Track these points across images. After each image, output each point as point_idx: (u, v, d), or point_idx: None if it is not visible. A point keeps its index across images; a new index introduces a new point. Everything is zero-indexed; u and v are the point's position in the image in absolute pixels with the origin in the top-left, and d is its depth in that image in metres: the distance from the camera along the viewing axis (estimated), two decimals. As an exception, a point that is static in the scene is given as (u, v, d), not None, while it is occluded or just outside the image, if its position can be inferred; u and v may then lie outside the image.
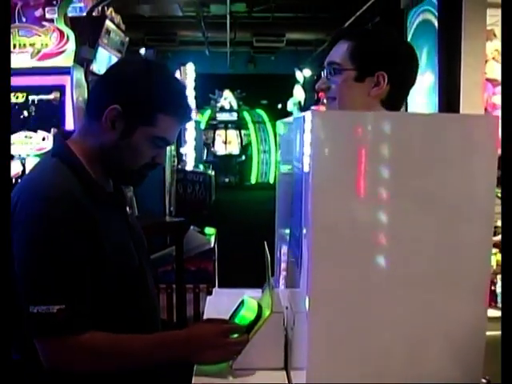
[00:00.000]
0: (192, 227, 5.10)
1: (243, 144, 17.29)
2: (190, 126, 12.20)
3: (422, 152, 1.17)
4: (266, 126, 17.12)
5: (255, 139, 17.03)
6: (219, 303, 2.03)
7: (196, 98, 12.46)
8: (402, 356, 1.22)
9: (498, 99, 4.56)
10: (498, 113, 4.64)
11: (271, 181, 16.75)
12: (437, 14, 4.23)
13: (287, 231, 1.62)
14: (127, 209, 1.81)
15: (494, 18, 4.32)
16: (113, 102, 1.61)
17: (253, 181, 17.03)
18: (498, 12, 4.34)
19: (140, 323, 1.69)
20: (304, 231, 1.19)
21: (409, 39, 4.89)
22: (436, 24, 4.28)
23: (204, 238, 5.06)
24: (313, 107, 13.44)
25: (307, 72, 14.01)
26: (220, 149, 17.24)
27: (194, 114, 2.14)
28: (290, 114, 15.39)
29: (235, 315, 1.60)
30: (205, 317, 1.94)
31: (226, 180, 16.31)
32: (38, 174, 1.65)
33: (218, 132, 17.37)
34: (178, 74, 11.65)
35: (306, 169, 1.14)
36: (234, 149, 17.30)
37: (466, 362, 1.22)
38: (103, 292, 1.60)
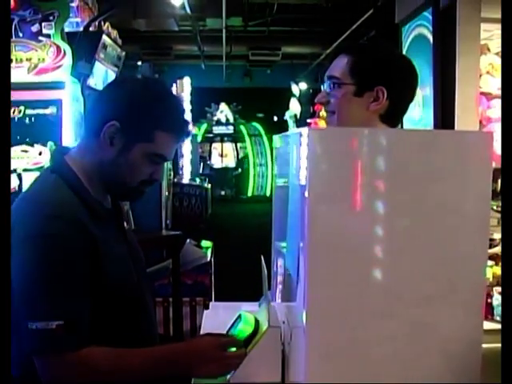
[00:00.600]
0: (188, 240, 5.09)
1: (239, 157, 17.32)
2: (186, 140, 12.19)
3: (417, 167, 1.18)
4: (262, 139, 17.15)
5: (251, 152, 17.06)
6: (216, 317, 2.04)
7: (192, 111, 12.51)
8: (399, 369, 1.22)
9: (492, 113, 4.58)
10: (493, 126, 4.67)
11: (267, 194, 16.75)
12: (431, 28, 4.27)
13: (284, 244, 1.63)
14: (125, 224, 1.82)
15: (487, 33, 4.35)
16: (111, 118, 1.62)
17: (249, 194, 17.04)
18: (492, 27, 4.38)
19: (138, 339, 1.69)
20: (301, 245, 1.20)
21: (404, 52, 4.93)
22: (430, 38, 4.31)
23: (200, 252, 5.05)
24: (309, 120, 13.50)
25: (303, 85, 14.08)
26: (216, 162, 17.26)
27: (191, 130, 2.15)
28: (286, 126, 15.44)
29: (232, 329, 1.60)
30: (202, 331, 1.94)
31: (222, 193, 16.31)
32: (37, 190, 1.66)
33: (214, 145, 17.39)
34: (174, 88, 11.71)
35: (303, 183, 1.16)
36: (230, 162, 17.32)
37: (462, 374, 1.23)
38: (102, 309, 1.60)
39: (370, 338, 1.19)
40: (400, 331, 1.21)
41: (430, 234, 1.20)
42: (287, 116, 14.80)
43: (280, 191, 1.81)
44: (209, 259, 5.06)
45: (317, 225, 1.12)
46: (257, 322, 1.56)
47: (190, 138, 12.54)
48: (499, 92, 4.66)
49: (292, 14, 11.09)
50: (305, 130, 1.15)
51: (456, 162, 1.21)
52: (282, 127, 16.26)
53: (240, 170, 17.13)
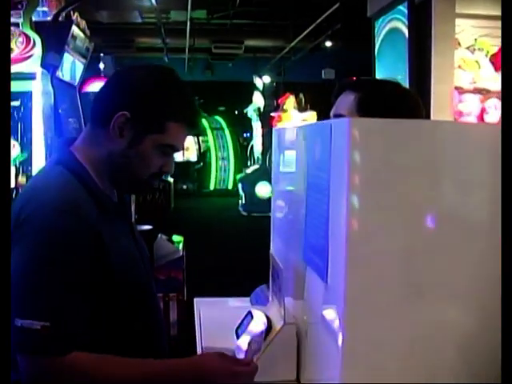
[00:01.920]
0: (160, 235, 5.02)
1: (201, 151, 17.21)
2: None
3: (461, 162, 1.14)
4: (224, 133, 17.07)
5: (213, 146, 16.97)
6: (214, 316, 1.99)
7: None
8: (429, 369, 1.19)
9: (464, 107, 4.64)
10: (465, 120, 4.72)
11: (230, 187, 16.72)
12: (407, 22, 4.29)
13: (293, 241, 1.57)
14: (132, 219, 1.75)
15: (458, 28, 4.40)
16: (121, 108, 1.54)
17: (211, 187, 16.96)
18: (463, 22, 4.43)
19: (148, 337, 1.63)
20: (331, 242, 1.16)
21: (377, 46, 4.95)
22: (405, 32, 4.33)
23: (173, 247, 4.99)
24: (272, 113, 13.50)
25: (266, 79, 14.05)
26: (178, 155, 17.14)
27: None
28: (248, 119, 15.41)
29: (243, 327, 1.56)
30: (203, 332, 1.87)
31: (184, 187, 16.19)
32: (42, 183, 1.56)
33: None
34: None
35: (338, 179, 1.11)
36: (192, 155, 17.19)
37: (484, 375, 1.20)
38: (110, 307, 1.52)
39: (403, 336, 1.16)
40: (428, 330, 1.17)
41: (458, 231, 1.17)
42: (250, 109, 14.76)
43: (284, 186, 1.76)
44: (181, 254, 5.00)
45: (355, 223, 1.08)
46: (268, 319, 1.52)
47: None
48: (471, 86, 4.73)
49: (255, 7, 11.04)
50: (342, 121, 1.11)
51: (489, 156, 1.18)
52: (243, 121, 16.24)
53: (202, 163, 17.03)
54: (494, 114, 4.84)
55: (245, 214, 13.39)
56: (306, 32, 11.14)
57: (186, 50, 13.28)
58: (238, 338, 1.56)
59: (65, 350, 1.40)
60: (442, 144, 1.14)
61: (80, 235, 1.44)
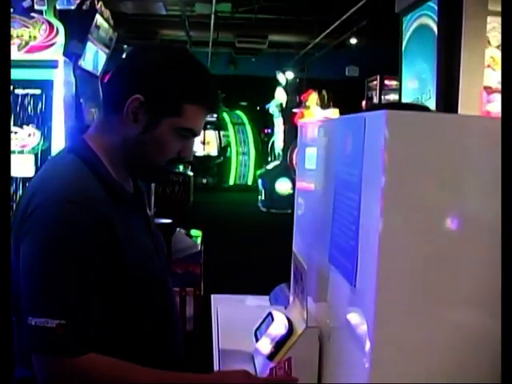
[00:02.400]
0: (178, 229, 4.98)
1: (222, 145, 17.15)
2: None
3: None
4: (245, 128, 17.00)
5: (234, 141, 16.90)
6: (231, 314, 1.92)
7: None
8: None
9: (492, 107, 4.52)
10: (492, 121, 4.60)
11: (249, 183, 16.64)
12: (436, 19, 4.18)
13: (319, 241, 1.50)
14: (148, 212, 1.68)
15: (488, 26, 4.28)
16: (134, 92, 1.46)
17: (231, 182, 16.90)
18: (492, 20, 4.32)
19: (162, 333, 1.56)
20: (361, 244, 1.08)
21: (404, 44, 4.84)
22: (434, 29, 4.22)
23: (191, 241, 4.94)
24: (295, 110, 13.40)
25: (289, 75, 13.93)
26: (198, 149, 17.09)
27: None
28: (270, 115, 15.32)
29: (263, 329, 1.49)
30: (220, 332, 1.80)
31: (204, 181, 16.14)
32: (53, 172, 1.49)
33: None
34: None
35: (372, 177, 1.03)
36: (213, 150, 17.13)
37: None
38: (122, 303, 1.45)
39: (431, 341, 1.08)
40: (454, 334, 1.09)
41: (484, 234, 1.09)
42: (273, 105, 14.66)
43: (309, 183, 1.67)
44: (199, 248, 4.96)
45: (390, 225, 1.00)
46: (289, 321, 1.45)
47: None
48: (499, 86, 4.62)
49: (280, 1, 10.96)
50: (378, 114, 1.03)
51: None
52: (265, 116, 16.16)
53: (222, 158, 16.98)
54: (522, 115, 4.73)
55: (264, 210, 13.32)
56: (330, 28, 11.03)
57: (210, 44, 13.22)
58: (256, 340, 1.49)
59: (82, 350, 1.33)
60: (486, 141, 1.05)
61: (91, 227, 1.37)
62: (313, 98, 13.26)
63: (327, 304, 1.38)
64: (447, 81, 4.15)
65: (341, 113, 13.36)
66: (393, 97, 11.37)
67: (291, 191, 13.25)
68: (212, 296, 2.66)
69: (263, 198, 13.49)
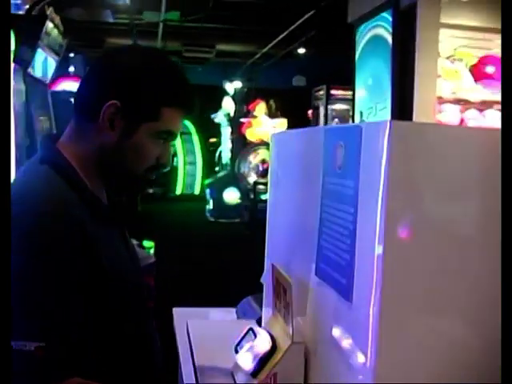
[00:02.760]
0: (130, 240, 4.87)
1: (169, 155, 16.98)
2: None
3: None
4: (192, 138, 16.89)
5: (181, 150, 16.77)
6: (200, 328, 1.87)
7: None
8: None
9: (443, 117, 4.62)
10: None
11: (197, 192, 16.55)
12: (391, 30, 4.23)
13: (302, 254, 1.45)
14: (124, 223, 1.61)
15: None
16: (109, 97, 1.39)
17: (178, 192, 16.76)
18: (443, 32, 4.41)
19: (141, 342, 1.49)
20: (359, 258, 1.05)
21: (358, 53, 4.89)
22: (389, 40, 4.28)
23: (145, 252, 4.84)
24: (242, 119, 13.41)
25: (237, 84, 13.94)
26: (145, 159, 16.89)
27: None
28: (217, 125, 15.28)
29: (244, 345, 1.44)
30: (194, 348, 1.73)
31: (151, 191, 15.95)
32: (26, 184, 1.40)
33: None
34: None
35: (371, 188, 1.00)
36: (159, 160, 16.95)
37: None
38: (105, 306, 1.37)
39: (434, 358, 1.06)
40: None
41: (482, 246, 1.08)
42: (220, 114, 14.63)
43: (287, 198, 1.63)
44: (154, 259, 4.86)
45: (394, 239, 0.97)
46: (271, 336, 1.41)
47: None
48: (451, 96, 4.71)
49: (229, 11, 10.94)
50: (377, 124, 1.00)
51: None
52: (212, 126, 16.10)
53: (169, 168, 16.77)
54: (472, 124, 4.82)
55: (212, 219, 13.27)
56: (278, 38, 11.08)
57: (157, 53, 13.10)
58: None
59: (65, 374, 1.23)
60: (487, 153, 1.03)
61: (72, 240, 1.29)
62: (261, 107, 13.31)
63: (312, 318, 1.34)
64: (402, 90, 4.20)
65: (289, 122, 13.44)
66: (339, 106, 11.49)
67: (239, 201, 13.27)
68: (174, 310, 2.60)
69: (211, 207, 13.43)
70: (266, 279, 1.98)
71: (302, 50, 12.31)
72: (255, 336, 1.41)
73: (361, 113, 4.84)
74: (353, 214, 1.07)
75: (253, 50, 12.98)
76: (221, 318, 2.51)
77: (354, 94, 5.03)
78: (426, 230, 1.01)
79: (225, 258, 8.69)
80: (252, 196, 12.36)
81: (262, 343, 1.39)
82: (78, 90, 1.48)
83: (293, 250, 1.54)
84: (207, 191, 13.85)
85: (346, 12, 5.35)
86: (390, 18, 4.23)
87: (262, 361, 1.37)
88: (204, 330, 1.85)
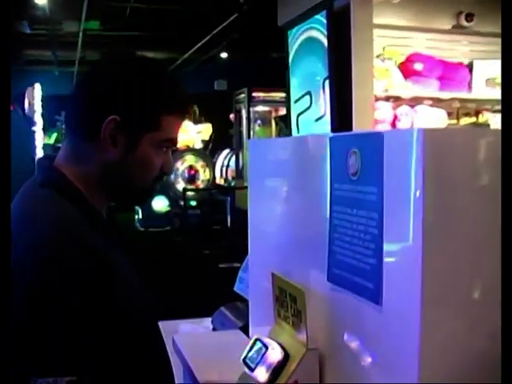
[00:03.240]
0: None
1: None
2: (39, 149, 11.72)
3: None
4: (116, 147, 16.62)
5: (105, 161, 16.47)
6: (194, 344, 1.84)
7: (43, 120, 11.93)
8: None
9: (377, 114, 4.73)
10: (378, 128, 4.81)
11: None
12: (325, 32, 4.30)
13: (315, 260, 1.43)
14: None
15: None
16: (108, 113, 1.35)
17: (104, 203, 16.46)
18: (375, 32, 4.53)
19: (155, 363, 1.44)
20: (388, 263, 1.06)
21: (291, 56, 4.95)
22: (324, 41, 4.35)
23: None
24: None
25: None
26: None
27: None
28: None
29: (255, 357, 1.42)
30: (190, 363, 1.70)
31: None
32: (32, 210, 1.33)
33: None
34: (26, 96, 11.07)
35: (400, 194, 1.02)
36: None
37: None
38: (120, 340, 1.30)
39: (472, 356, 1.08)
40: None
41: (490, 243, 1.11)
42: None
43: (280, 204, 1.62)
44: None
45: (432, 240, 0.99)
46: (280, 345, 1.40)
47: (41, 147, 11.93)
48: (383, 94, 4.83)
49: (146, 18, 10.86)
50: (406, 131, 1.01)
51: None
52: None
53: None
54: (405, 120, 4.96)
55: (142, 229, 13.09)
56: (200, 43, 11.08)
57: (76, 63, 12.84)
58: (250, 369, 1.42)
59: None
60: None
61: (90, 267, 1.23)
62: (184, 113, 13.22)
63: (326, 323, 1.35)
64: (340, 90, 4.28)
65: (213, 127, 13.44)
66: (261, 108, 11.59)
67: (168, 208, 13.14)
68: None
69: (140, 217, 13.26)
70: (242, 289, 1.98)
71: (224, 55, 12.34)
72: (265, 346, 1.40)
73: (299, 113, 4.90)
74: (377, 220, 1.08)
75: (174, 56, 12.91)
76: (191, 330, 2.49)
77: (289, 96, 5.08)
78: (461, 231, 1.04)
79: (161, 266, 8.57)
80: (182, 203, 12.28)
81: (275, 353, 1.38)
82: (69, 108, 1.43)
83: (288, 257, 1.54)
84: (135, 201, 13.65)
85: (270, 15, 5.41)
86: (324, 20, 4.29)
87: (276, 371, 1.36)
88: (195, 344, 1.83)
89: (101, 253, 1.27)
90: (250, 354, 1.43)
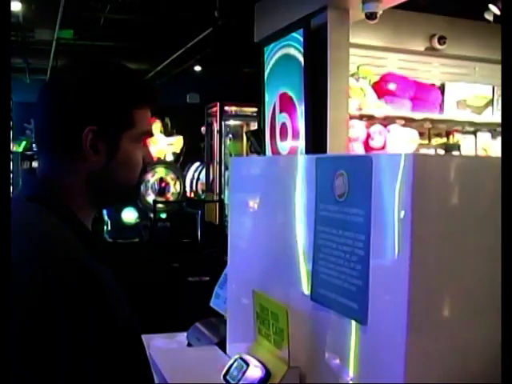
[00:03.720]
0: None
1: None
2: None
3: None
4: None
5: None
6: (171, 359, 1.83)
7: (12, 128, 11.78)
8: None
9: (351, 132, 4.79)
10: (353, 146, 4.87)
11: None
12: (302, 49, 4.34)
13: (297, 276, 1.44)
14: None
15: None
16: (83, 124, 1.34)
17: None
18: (353, 51, 4.59)
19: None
20: (374, 284, 1.08)
21: (266, 72, 4.98)
22: (300, 59, 4.39)
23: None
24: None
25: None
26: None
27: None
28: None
29: (235, 374, 1.43)
30: (170, 379, 1.69)
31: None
32: (19, 225, 1.28)
33: (34, 163, 16.42)
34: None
35: (386, 217, 1.03)
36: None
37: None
38: (112, 355, 1.26)
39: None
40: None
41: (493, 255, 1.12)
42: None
43: (259, 222, 1.62)
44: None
45: (419, 263, 1.01)
46: (261, 362, 1.41)
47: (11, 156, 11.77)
48: (357, 112, 4.90)
49: (122, 29, 10.82)
50: (394, 155, 1.03)
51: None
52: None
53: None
54: (378, 139, 5.03)
55: (110, 240, 12.97)
56: (174, 56, 11.06)
57: (48, 72, 12.72)
58: (231, 387, 1.42)
59: None
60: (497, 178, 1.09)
61: (86, 285, 1.21)
62: (156, 125, 13.19)
63: (308, 342, 1.36)
64: (315, 108, 4.32)
65: (184, 140, 13.41)
66: (232, 122, 11.62)
67: (138, 220, 13.05)
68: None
69: (109, 228, 13.13)
70: (219, 304, 1.98)
71: (197, 68, 12.34)
72: (246, 363, 1.41)
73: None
74: (363, 241, 1.10)
75: (147, 68, 12.87)
76: (164, 344, 2.47)
77: (264, 111, 5.11)
78: (448, 255, 1.06)
79: (126, 277, 8.48)
80: (151, 215, 12.20)
81: (256, 370, 1.39)
82: (40, 122, 1.42)
83: (268, 275, 1.55)
84: (104, 212, 13.53)
85: (245, 31, 5.44)
86: (301, 38, 4.34)
87: (258, 389, 1.37)
88: (172, 360, 1.82)
89: (90, 268, 1.26)
90: (230, 371, 1.43)
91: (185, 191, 12.81)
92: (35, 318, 1.17)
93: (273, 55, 4.88)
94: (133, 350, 1.35)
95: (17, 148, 14.73)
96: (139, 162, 1.44)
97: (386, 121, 5.15)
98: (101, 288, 1.25)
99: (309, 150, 4.31)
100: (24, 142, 16.21)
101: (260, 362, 1.40)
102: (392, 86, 5.18)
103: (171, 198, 12.60)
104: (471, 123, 5.42)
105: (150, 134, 1.47)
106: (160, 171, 13.07)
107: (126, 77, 1.44)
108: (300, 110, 4.44)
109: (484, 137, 5.56)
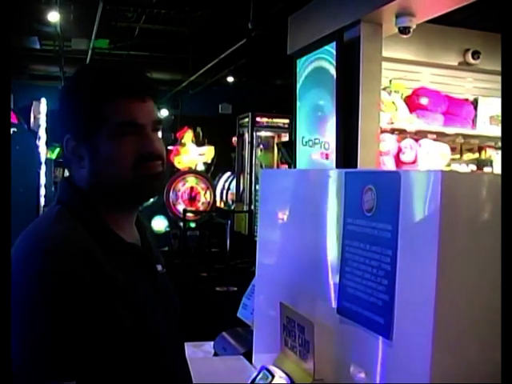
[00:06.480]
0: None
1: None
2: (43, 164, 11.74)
3: None
4: (117, 165, 16.64)
5: (107, 178, 16.49)
6: (199, 367, 1.85)
7: (47, 134, 11.95)
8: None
9: (382, 146, 4.77)
10: (383, 159, 4.85)
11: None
12: (334, 63, 4.35)
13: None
14: (158, 266, 1.51)
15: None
16: (61, 135, 1.42)
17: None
18: (386, 65, 4.59)
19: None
20: (400, 299, 1.08)
21: (299, 84, 5.00)
22: (332, 72, 4.40)
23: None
24: (170, 147, 13.34)
25: (164, 112, 13.89)
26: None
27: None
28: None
29: None
30: None
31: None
32: (37, 224, 1.39)
33: (66, 171, 16.63)
34: (31, 110, 11.10)
35: (415, 233, 1.04)
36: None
37: None
38: (116, 364, 1.30)
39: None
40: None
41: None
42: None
43: (289, 236, 1.63)
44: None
45: (446, 279, 1.01)
46: (286, 374, 1.42)
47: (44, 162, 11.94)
48: (388, 126, 4.88)
49: (156, 39, 10.97)
50: (424, 172, 1.04)
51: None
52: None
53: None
54: (409, 153, 5.00)
55: (141, 248, 13.04)
56: (206, 67, 11.16)
57: (83, 80, 12.92)
58: (255, 396, 1.44)
59: None
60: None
61: (77, 274, 1.24)
62: (188, 135, 13.28)
63: (333, 355, 1.37)
64: (347, 121, 4.32)
65: (215, 150, 13.49)
66: (264, 133, 11.66)
67: (168, 229, 13.13)
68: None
69: (139, 236, 13.22)
70: (246, 315, 1.99)
71: (230, 79, 12.42)
72: (271, 374, 1.42)
73: (305, 141, 4.93)
74: (390, 256, 1.11)
75: (180, 78, 13.00)
76: (191, 353, 2.49)
77: (295, 124, 5.13)
78: (475, 271, 1.06)
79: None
80: (181, 224, 12.26)
81: (280, 382, 1.40)
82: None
83: (296, 287, 1.56)
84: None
85: (278, 43, 5.47)
86: (334, 51, 4.35)
87: (283, 400, 1.38)
88: (199, 369, 1.83)
89: (98, 265, 1.28)
90: (255, 382, 1.44)
91: (215, 201, 12.86)
92: (25, 310, 1.23)
93: (305, 68, 4.90)
94: (147, 356, 1.36)
95: (50, 155, 14.94)
96: (125, 155, 1.39)
97: (418, 135, 5.12)
98: (106, 286, 1.28)
99: (339, 163, 4.30)
100: (57, 149, 16.44)
101: (285, 373, 1.42)
102: (424, 101, 5.16)
103: (201, 208, 12.66)
104: (504, 139, 5.36)
105: (132, 123, 1.39)
106: (191, 180, 13.17)
107: (91, 75, 1.44)
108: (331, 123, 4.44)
109: (517, 153, 5.49)
